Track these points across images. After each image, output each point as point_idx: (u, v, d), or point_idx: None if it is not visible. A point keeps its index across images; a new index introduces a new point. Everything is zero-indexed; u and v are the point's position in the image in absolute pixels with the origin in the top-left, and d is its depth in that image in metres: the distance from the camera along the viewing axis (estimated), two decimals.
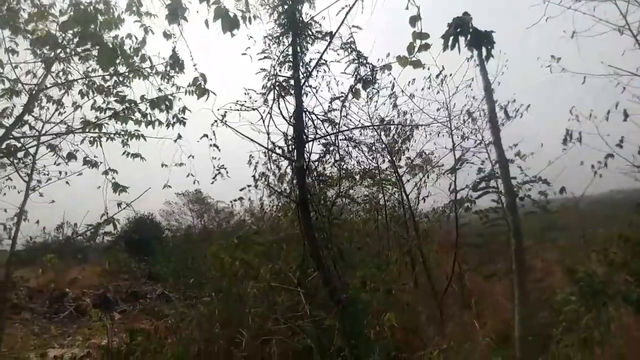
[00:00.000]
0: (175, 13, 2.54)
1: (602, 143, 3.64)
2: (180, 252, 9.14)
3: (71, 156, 3.58)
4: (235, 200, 5.73)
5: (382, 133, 6.93)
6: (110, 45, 3.80)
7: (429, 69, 5.16)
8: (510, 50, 4.83)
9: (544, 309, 4.27)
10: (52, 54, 3.75)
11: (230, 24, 2.36)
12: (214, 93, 3.03)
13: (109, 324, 7.79)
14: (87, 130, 3.62)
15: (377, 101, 6.31)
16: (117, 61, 3.92)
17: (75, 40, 3.95)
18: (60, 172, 3.86)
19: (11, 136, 3.26)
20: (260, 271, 5.33)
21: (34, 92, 3.40)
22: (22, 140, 3.46)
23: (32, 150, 3.56)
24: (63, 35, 3.88)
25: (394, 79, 5.64)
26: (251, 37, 3.23)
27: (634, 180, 3.72)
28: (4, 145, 3.26)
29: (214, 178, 3.54)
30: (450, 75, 5.41)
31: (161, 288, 10.08)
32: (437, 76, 5.22)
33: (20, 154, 3.42)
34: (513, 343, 2.72)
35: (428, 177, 6.24)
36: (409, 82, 5.47)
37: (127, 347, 6.33)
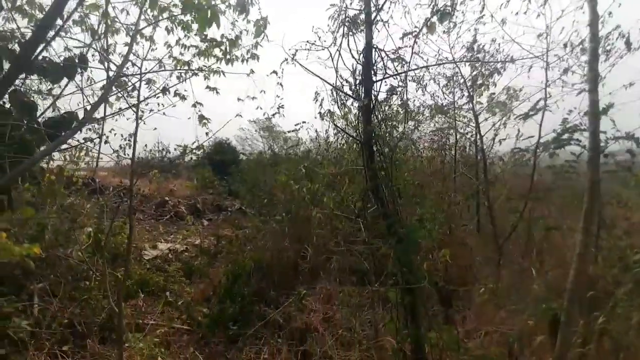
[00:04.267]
0: None
1: None
2: (254, 174, 10.15)
3: (165, 90, 4.08)
4: (294, 130, 6.17)
5: (462, 66, 6.30)
6: None
7: None
8: None
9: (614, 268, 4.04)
10: None
11: None
12: (267, 38, 3.09)
13: (201, 228, 9.52)
14: (178, 67, 4.02)
15: (460, 27, 5.65)
16: None
17: None
18: (158, 105, 4.45)
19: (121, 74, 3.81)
20: (323, 199, 5.85)
21: (132, 32, 3.79)
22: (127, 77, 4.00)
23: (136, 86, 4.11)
24: None
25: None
26: None
27: None
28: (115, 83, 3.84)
29: (273, 116, 3.81)
30: None
31: (239, 204, 11.61)
32: None
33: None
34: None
35: (509, 117, 5.66)
36: (501, 4, 4.71)
37: (215, 247, 7.79)
